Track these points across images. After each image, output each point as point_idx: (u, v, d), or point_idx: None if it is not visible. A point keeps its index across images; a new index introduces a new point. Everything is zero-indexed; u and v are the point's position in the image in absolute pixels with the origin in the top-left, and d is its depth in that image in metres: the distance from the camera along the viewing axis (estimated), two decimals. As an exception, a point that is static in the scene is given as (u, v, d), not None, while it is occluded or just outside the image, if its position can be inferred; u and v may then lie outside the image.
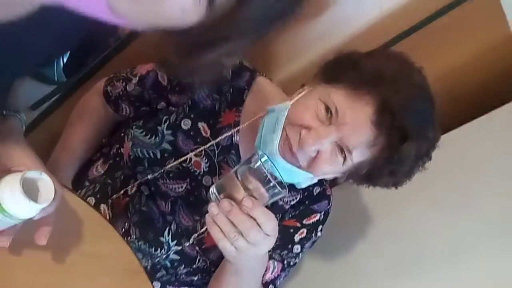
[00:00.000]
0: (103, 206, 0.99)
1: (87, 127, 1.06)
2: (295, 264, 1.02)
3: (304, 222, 0.99)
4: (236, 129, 0.96)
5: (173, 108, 0.98)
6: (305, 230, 0.99)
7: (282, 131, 0.85)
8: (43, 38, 0.60)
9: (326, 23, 1.15)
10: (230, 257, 0.79)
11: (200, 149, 0.95)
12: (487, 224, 1.08)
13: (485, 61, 1.27)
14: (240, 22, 0.45)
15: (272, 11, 0.46)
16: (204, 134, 0.97)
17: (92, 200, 1.00)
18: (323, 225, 1.01)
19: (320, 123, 0.83)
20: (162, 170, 0.96)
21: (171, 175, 0.97)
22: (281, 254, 0.99)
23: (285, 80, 1.18)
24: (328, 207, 1.01)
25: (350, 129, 0.82)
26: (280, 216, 0.98)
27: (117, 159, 1.02)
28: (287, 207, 0.99)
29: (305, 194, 1.00)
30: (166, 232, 0.97)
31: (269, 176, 0.72)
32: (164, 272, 1.00)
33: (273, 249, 0.95)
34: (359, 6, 1.17)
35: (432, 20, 1.17)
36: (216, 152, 0.97)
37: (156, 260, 0.99)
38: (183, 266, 1.00)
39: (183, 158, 0.96)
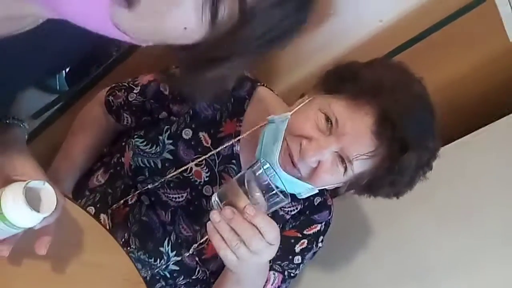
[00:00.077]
0: (103, 216, 0.99)
1: (89, 137, 1.07)
2: (295, 275, 1.01)
3: (305, 232, 0.99)
4: (237, 139, 0.96)
5: (174, 118, 0.98)
6: (306, 241, 0.99)
7: (282, 142, 0.85)
8: (47, 52, 0.60)
9: (327, 34, 1.16)
10: (232, 266, 0.79)
11: (200, 159, 0.96)
12: (489, 235, 1.07)
13: (485, 73, 1.27)
14: (243, 40, 0.46)
15: (275, 30, 0.46)
16: (205, 144, 0.97)
17: (92, 209, 1.00)
18: (324, 236, 1.01)
19: (320, 133, 0.84)
20: (163, 180, 0.96)
21: (171, 184, 0.97)
22: (282, 265, 0.98)
23: (286, 91, 1.19)
24: (329, 217, 1.01)
25: (350, 139, 0.82)
26: (281, 226, 0.98)
27: (118, 168, 1.02)
28: (287, 217, 0.99)
29: (306, 204, 0.99)
30: (165, 242, 0.97)
31: (271, 184, 0.72)
32: (163, 283, 1.00)
33: (274, 260, 0.95)
34: (359, 17, 1.18)
35: (432, 32, 1.17)
36: (217, 161, 0.97)
37: (156, 270, 0.98)
38: (183, 277, 1.00)
39: (183, 168, 0.96)
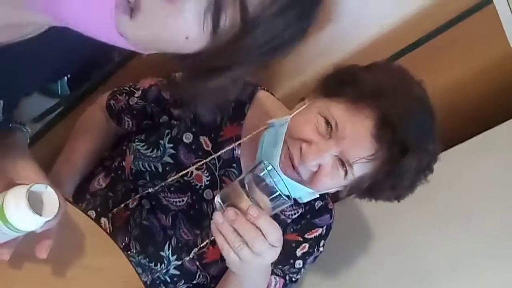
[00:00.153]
0: (103, 220, 0.99)
1: (90, 141, 1.07)
2: (297, 280, 1.01)
3: (306, 236, 0.99)
4: (238, 143, 0.96)
5: (175, 122, 0.98)
6: (307, 245, 0.99)
7: (283, 145, 0.85)
8: (50, 58, 0.61)
9: (327, 39, 1.16)
10: (234, 267, 0.79)
11: (201, 163, 0.96)
12: (489, 238, 1.07)
13: (486, 78, 1.27)
14: (244, 49, 0.46)
15: (277, 39, 0.47)
16: (205, 147, 0.97)
17: (92, 213, 1.00)
18: (325, 240, 1.01)
19: (320, 137, 0.84)
20: (163, 184, 0.96)
21: (172, 188, 0.97)
22: (283, 269, 0.98)
23: (287, 96, 1.19)
24: (330, 221, 1.01)
25: (350, 142, 0.82)
26: (282, 230, 0.97)
27: (119, 172, 1.02)
28: (288, 221, 0.99)
29: (307, 208, 0.99)
30: (166, 247, 0.97)
31: (274, 186, 0.72)
32: (163, 287, 1.00)
33: (275, 264, 0.95)
34: (359, 23, 1.18)
35: (432, 37, 1.18)
36: (218, 165, 0.97)
37: (156, 275, 0.98)
38: (183, 281, 0.99)
39: (184, 172, 0.96)
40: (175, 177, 0.96)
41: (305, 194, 0.89)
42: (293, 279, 1.00)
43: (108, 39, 0.45)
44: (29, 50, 0.55)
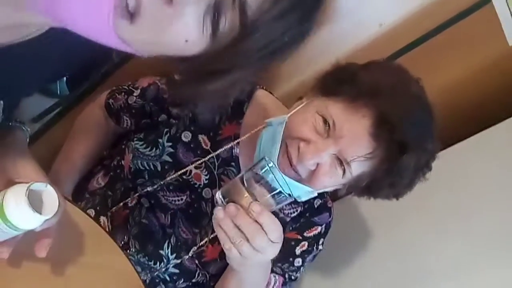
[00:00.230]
0: (102, 219, 0.99)
1: (89, 140, 1.07)
2: (296, 278, 1.01)
3: (305, 234, 0.99)
4: (236, 141, 0.96)
5: (174, 121, 0.99)
6: (306, 243, 0.99)
7: (281, 144, 0.85)
8: (50, 59, 0.61)
9: (326, 39, 1.16)
10: (235, 263, 0.79)
11: (200, 162, 0.96)
12: (488, 238, 1.07)
13: (485, 77, 1.27)
14: (244, 52, 0.46)
15: (276, 42, 0.46)
16: (204, 146, 0.97)
17: (92, 212, 1.00)
18: (324, 238, 1.01)
19: (318, 136, 0.84)
20: (162, 183, 0.96)
21: (171, 187, 0.97)
22: (282, 267, 0.98)
23: (286, 95, 1.19)
24: (329, 219, 1.01)
25: (348, 141, 0.82)
26: (281, 228, 0.98)
27: (118, 171, 1.02)
28: (287, 219, 0.99)
29: (306, 206, 0.99)
30: (165, 245, 0.97)
31: (275, 182, 0.73)
32: (163, 286, 1.00)
33: (274, 262, 0.95)
34: (359, 22, 1.18)
35: (432, 36, 1.18)
36: (216, 164, 0.97)
37: (155, 273, 0.98)
38: (182, 280, 1.00)
39: (183, 170, 0.96)
40: (174, 175, 0.96)
41: (303, 193, 0.89)
42: (293, 277, 1.00)
43: (107, 42, 0.46)
44: (30, 51, 0.55)
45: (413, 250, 1.15)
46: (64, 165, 1.05)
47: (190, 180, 0.97)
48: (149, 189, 0.97)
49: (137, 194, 0.98)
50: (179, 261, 0.97)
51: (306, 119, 0.85)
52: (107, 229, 0.97)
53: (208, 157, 0.96)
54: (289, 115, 0.88)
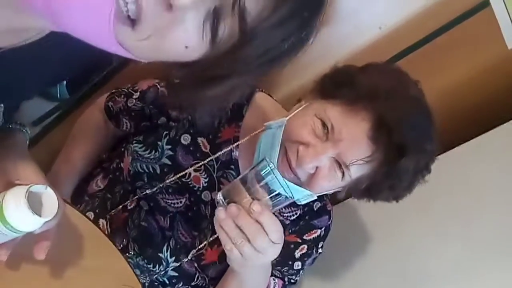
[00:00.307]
0: (102, 221, 0.99)
1: (88, 143, 1.07)
2: (295, 281, 1.01)
3: (304, 237, 0.98)
4: (236, 144, 0.97)
5: (173, 123, 0.99)
6: (305, 246, 0.98)
7: (280, 147, 0.85)
8: (51, 62, 0.61)
9: (326, 42, 1.16)
10: (236, 264, 0.79)
11: (199, 164, 0.96)
12: (488, 242, 1.07)
13: (484, 80, 1.28)
14: (243, 59, 0.46)
15: (276, 49, 0.47)
16: (203, 149, 0.97)
17: (91, 214, 1.00)
18: (324, 241, 1.01)
19: (317, 139, 0.84)
20: (161, 185, 0.96)
21: (170, 190, 0.97)
22: (282, 270, 0.98)
23: (285, 98, 1.19)
24: (328, 222, 1.01)
25: (347, 144, 0.82)
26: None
27: (117, 174, 1.02)
28: (287, 222, 0.99)
29: (305, 209, 0.99)
30: (164, 248, 0.97)
31: (276, 183, 0.73)
32: (162, 289, 1.00)
33: (273, 266, 0.95)
34: (358, 25, 1.19)
35: (432, 38, 1.18)
36: (216, 167, 0.97)
37: (154, 276, 0.98)
38: (182, 283, 0.99)
39: (182, 173, 0.96)
40: (173, 178, 0.96)
41: (303, 196, 0.89)
42: (292, 280, 1.00)
43: (107, 47, 0.46)
44: (30, 54, 0.55)
45: (413, 254, 1.15)
46: (64, 167, 1.05)
47: (189, 183, 0.97)
48: (148, 191, 0.97)
49: (136, 197, 0.98)
50: (178, 264, 0.97)
51: (305, 123, 0.85)
52: (106, 232, 0.97)
53: (207, 160, 0.96)
54: (288, 118, 0.88)
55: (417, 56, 1.19)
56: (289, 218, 0.99)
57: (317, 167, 0.84)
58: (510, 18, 1.15)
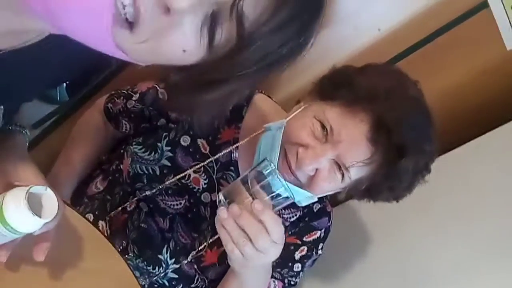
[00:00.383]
0: (101, 223, 0.99)
1: (88, 145, 1.07)
2: (295, 283, 1.00)
3: (304, 239, 0.98)
4: (235, 145, 0.97)
5: (173, 125, 0.99)
6: (305, 248, 0.98)
7: (280, 149, 0.85)
8: (50, 65, 0.61)
9: (325, 44, 1.17)
10: (237, 264, 0.79)
11: (199, 166, 0.96)
12: (489, 243, 1.07)
13: (484, 81, 1.28)
14: (241, 63, 0.46)
15: (274, 55, 0.47)
16: (203, 150, 0.97)
17: (90, 216, 1.00)
18: (323, 243, 1.01)
19: (317, 141, 0.84)
20: (161, 187, 0.96)
21: (169, 191, 0.97)
22: (282, 272, 0.98)
23: (285, 100, 1.19)
24: (328, 224, 1.01)
25: (346, 146, 0.82)
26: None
27: (117, 175, 1.02)
28: (286, 224, 0.98)
29: (305, 211, 0.99)
30: (164, 250, 0.97)
31: (277, 183, 0.73)
32: (162, 291, 1.00)
33: (273, 267, 0.95)
34: (357, 27, 1.19)
35: (430, 40, 1.18)
36: (215, 168, 0.97)
37: (154, 278, 0.98)
38: (181, 285, 0.99)
39: (182, 175, 0.96)
40: (173, 180, 0.96)
41: (304, 198, 0.89)
42: (292, 282, 0.99)
43: (105, 50, 0.46)
44: (30, 57, 0.55)
45: (413, 254, 1.14)
46: (63, 169, 1.05)
47: (189, 184, 0.97)
48: (147, 193, 0.97)
49: (135, 199, 0.98)
50: (178, 266, 0.97)
51: (304, 124, 0.85)
52: (105, 234, 0.97)
53: (207, 161, 0.96)
54: (287, 119, 0.88)
55: (416, 57, 1.19)
56: (288, 219, 0.99)
57: (317, 169, 0.84)
58: (509, 20, 1.15)
